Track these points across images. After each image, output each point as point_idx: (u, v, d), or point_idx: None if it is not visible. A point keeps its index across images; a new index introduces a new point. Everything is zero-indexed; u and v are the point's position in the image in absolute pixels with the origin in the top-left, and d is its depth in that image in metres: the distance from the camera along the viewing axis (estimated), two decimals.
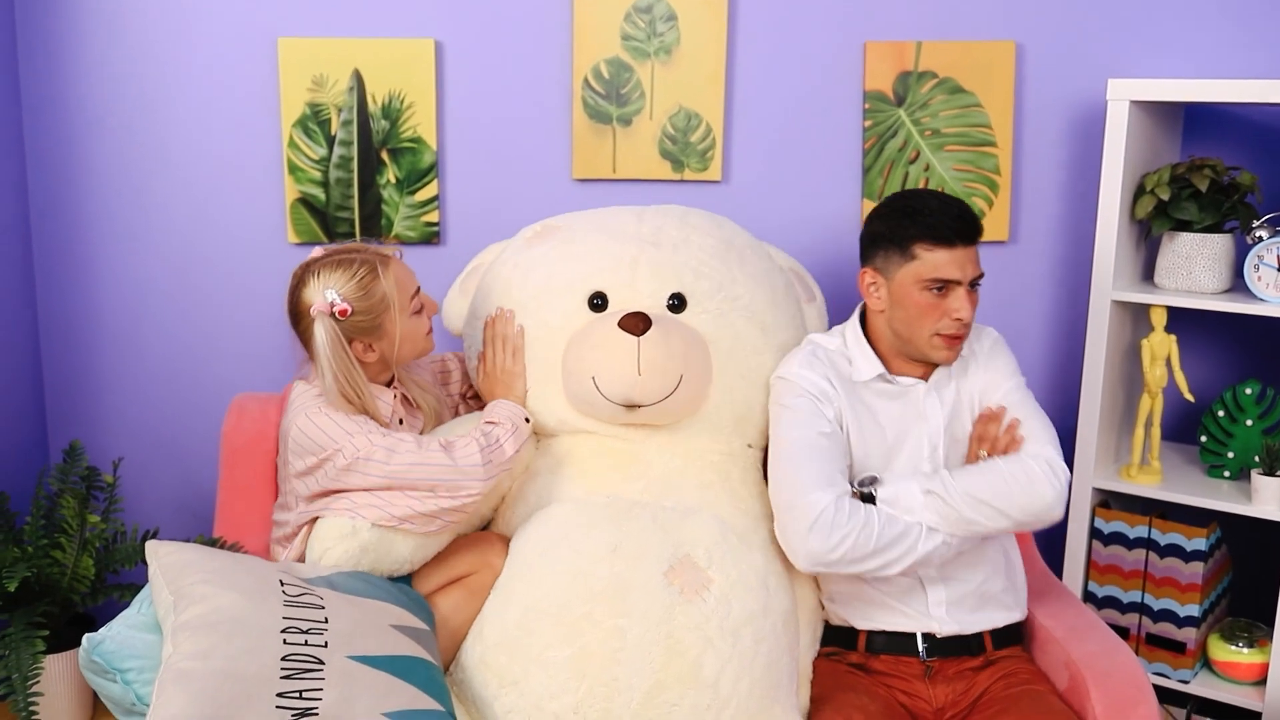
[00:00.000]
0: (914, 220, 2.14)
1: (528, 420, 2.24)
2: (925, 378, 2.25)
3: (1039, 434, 2.19)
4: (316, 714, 1.76)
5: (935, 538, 2.10)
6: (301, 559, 2.15)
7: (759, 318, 2.33)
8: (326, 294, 2.08)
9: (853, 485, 2.18)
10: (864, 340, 2.26)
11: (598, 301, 2.29)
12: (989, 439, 2.20)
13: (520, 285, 2.35)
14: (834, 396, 2.21)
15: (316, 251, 2.16)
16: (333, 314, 2.08)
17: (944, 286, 2.14)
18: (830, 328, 2.44)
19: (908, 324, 2.18)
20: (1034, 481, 2.11)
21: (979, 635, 2.22)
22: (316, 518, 2.12)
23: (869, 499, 2.13)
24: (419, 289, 2.18)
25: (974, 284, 2.17)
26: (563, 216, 2.47)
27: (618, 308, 2.27)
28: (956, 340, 2.18)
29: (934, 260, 2.13)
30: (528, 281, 2.34)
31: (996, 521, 2.11)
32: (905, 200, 2.20)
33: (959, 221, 2.13)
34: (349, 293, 2.09)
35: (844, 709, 2.07)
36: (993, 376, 2.26)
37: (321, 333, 2.08)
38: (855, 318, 2.30)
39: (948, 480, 2.11)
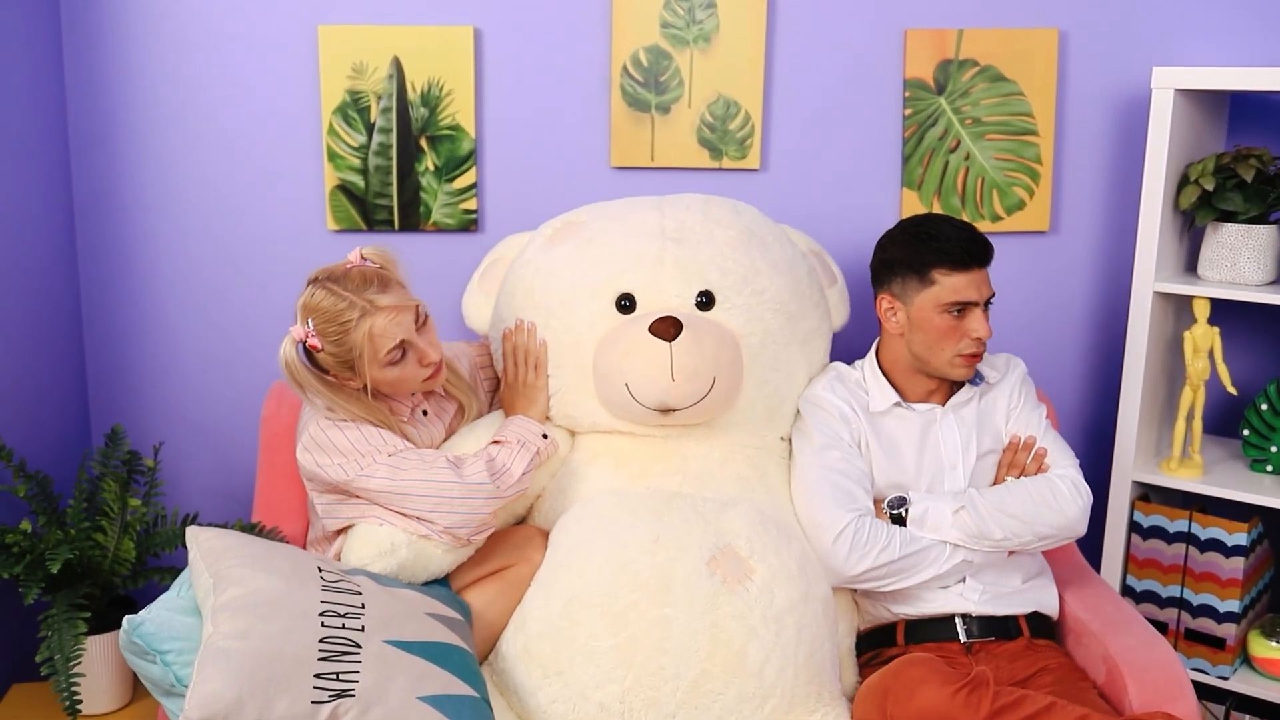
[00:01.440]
0: (931, 246, 2.25)
1: (545, 436, 2.21)
2: (942, 402, 2.36)
3: (1062, 459, 2.33)
4: (353, 695, 1.77)
5: (957, 555, 2.22)
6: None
7: (785, 308, 2.33)
8: (308, 322, 2.07)
9: (882, 506, 2.27)
10: (879, 372, 2.37)
11: (625, 303, 2.28)
12: (1018, 466, 2.33)
13: (544, 289, 2.33)
14: (854, 421, 2.32)
15: (349, 259, 2.13)
16: (305, 343, 2.08)
17: (962, 309, 2.25)
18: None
19: (928, 346, 2.28)
20: (1060, 498, 2.25)
21: (1014, 618, 2.27)
22: (350, 526, 2.13)
23: (899, 520, 2.24)
24: (403, 341, 2.09)
25: (987, 303, 2.28)
26: (583, 210, 2.46)
27: (646, 309, 2.26)
28: (976, 358, 2.29)
29: (953, 284, 2.24)
30: (551, 285, 2.32)
31: (1023, 536, 2.23)
32: (920, 227, 2.31)
33: (974, 245, 2.25)
34: (322, 331, 2.06)
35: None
36: (1018, 407, 2.38)
37: (282, 358, 2.09)
38: (872, 352, 2.41)
39: (977, 498, 2.24)
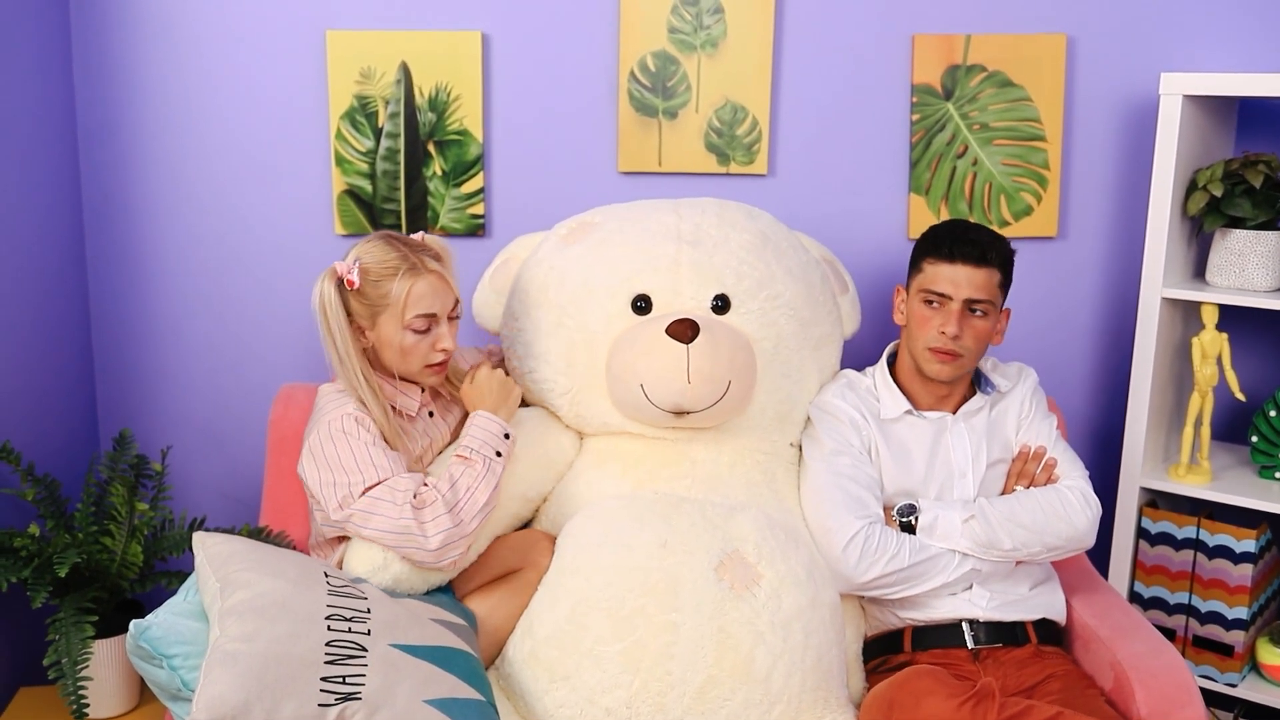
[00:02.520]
0: (927, 239, 2.32)
1: (508, 436, 2.14)
2: (953, 410, 2.36)
3: (1072, 470, 2.34)
4: (360, 699, 1.77)
5: (966, 564, 2.23)
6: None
7: (798, 314, 2.33)
8: (352, 259, 2.10)
9: (891, 514, 2.27)
10: (890, 380, 2.38)
11: (641, 304, 2.28)
12: (1028, 476, 2.33)
13: (558, 287, 2.33)
14: (865, 428, 2.33)
15: (416, 236, 2.19)
16: (343, 280, 2.09)
17: (938, 301, 2.26)
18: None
19: (910, 335, 2.33)
20: (1070, 509, 2.26)
21: (1021, 624, 2.27)
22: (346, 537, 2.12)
23: (908, 528, 2.25)
24: (434, 315, 2.10)
25: (973, 307, 2.26)
26: (598, 211, 2.46)
27: (662, 311, 2.26)
28: (947, 356, 2.27)
29: (933, 273, 2.27)
30: (566, 284, 2.32)
31: (1032, 547, 2.24)
32: (939, 224, 2.36)
33: (962, 242, 2.26)
34: (367, 269, 2.08)
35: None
36: (1029, 417, 2.38)
37: (317, 290, 2.10)
38: (884, 359, 2.43)
39: (987, 507, 2.24)
